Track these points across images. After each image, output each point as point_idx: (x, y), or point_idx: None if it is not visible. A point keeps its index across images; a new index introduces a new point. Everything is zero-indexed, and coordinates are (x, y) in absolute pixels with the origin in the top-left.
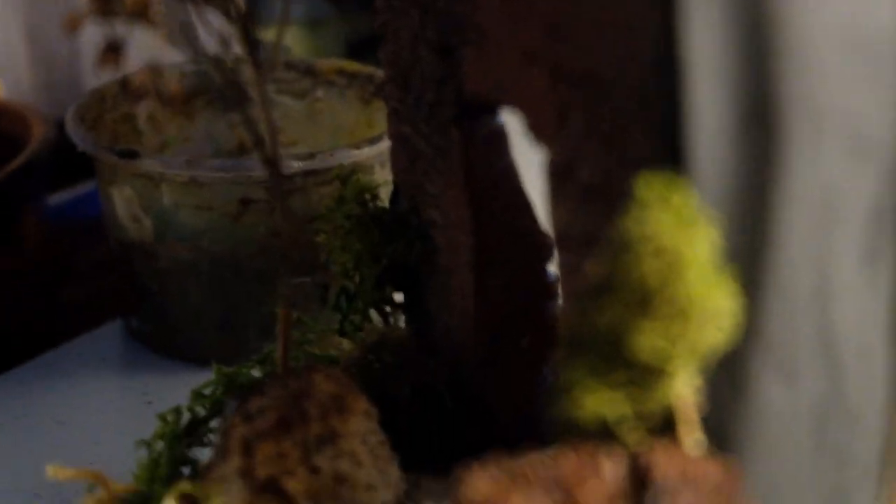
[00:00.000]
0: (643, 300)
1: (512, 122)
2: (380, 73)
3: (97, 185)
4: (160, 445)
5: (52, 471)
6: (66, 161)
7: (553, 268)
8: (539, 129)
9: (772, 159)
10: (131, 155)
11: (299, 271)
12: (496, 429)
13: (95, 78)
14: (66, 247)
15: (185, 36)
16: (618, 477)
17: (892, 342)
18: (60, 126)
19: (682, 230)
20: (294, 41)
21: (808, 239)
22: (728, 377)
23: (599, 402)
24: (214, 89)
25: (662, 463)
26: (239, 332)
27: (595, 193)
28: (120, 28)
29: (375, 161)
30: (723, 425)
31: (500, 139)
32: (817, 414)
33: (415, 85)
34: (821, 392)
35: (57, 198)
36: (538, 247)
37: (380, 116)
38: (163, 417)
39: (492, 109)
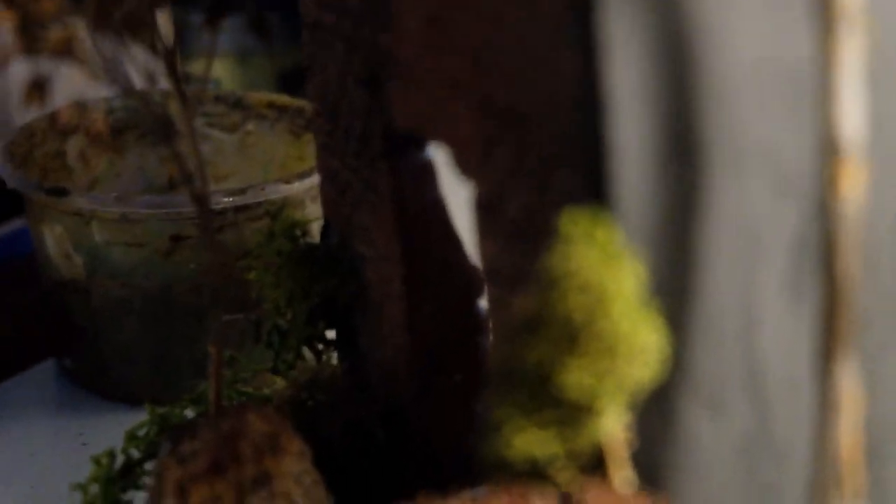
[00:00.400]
0: (570, 337)
1: (440, 155)
2: (310, 107)
3: (27, 222)
4: (95, 489)
5: None
6: None
7: (484, 302)
8: (465, 164)
9: (695, 195)
10: (61, 192)
11: (231, 308)
12: (432, 463)
13: (24, 115)
14: None
15: (110, 72)
16: None
17: (817, 375)
18: None
19: (607, 265)
20: (223, 73)
21: (732, 273)
22: (656, 412)
23: (529, 441)
24: (144, 124)
25: (593, 501)
26: (172, 369)
27: (522, 229)
28: (45, 64)
29: (306, 195)
30: (652, 461)
31: (428, 173)
32: (745, 448)
33: (343, 117)
34: (748, 426)
35: None
36: (468, 281)
37: (310, 149)
38: (97, 460)
39: (420, 143)
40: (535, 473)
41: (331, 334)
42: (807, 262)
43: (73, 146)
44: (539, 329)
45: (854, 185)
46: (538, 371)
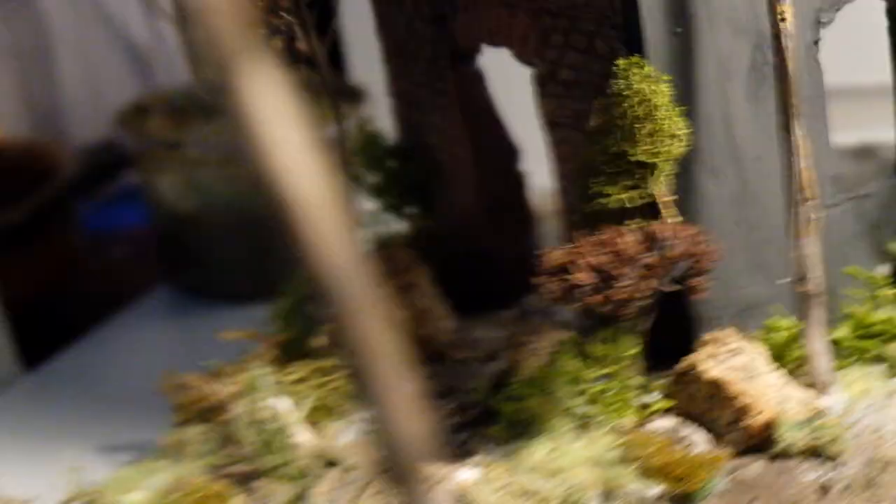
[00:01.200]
0: (634, 130)
1: (487, 64)
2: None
3: (140, 177)
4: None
5: (224, 334)
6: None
7: (520, 167)
8: (524, 54)
9: (689, 42)
10: (177, 145)
11: None
12: (502, 276)
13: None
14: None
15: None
16: (637, 238)
17: (777, 154)
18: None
19: (652, 85)
20: None
21: (715, 88)
22: (683, 179)
23: (616, 197)
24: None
25: (660, 230)
26: (266, 274)
27: (575, 87)
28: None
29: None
30: (685, 206)
31: (480, 77)
32: (735, 199)
33: (410, 50)
34: (736, 186)
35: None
36: (509, 150)
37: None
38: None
39: (473, 57)
40: (621, 220)
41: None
42: (759, 78)
43: (153, 123)
44: (614, 128)
45: (790, 20)
46: (617, 153)
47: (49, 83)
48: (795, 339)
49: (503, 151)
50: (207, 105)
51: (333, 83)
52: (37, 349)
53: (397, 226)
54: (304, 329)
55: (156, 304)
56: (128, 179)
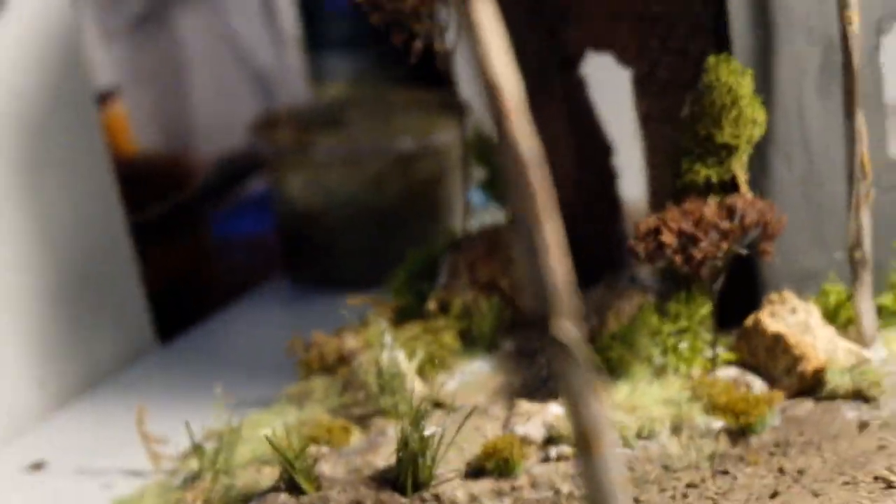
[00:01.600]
0: (721, 116)
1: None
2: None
3: (271, 179)
4: (401, 280)
5: (350, 300)
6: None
7: (613, 161)
8: (626, 58)
9: (770, 46)
10: (306, 150)
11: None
12: (592, 259)
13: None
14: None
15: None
16: (716, 208)
17: (841, 143)
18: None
19: (737, 78)
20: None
21: (791, 85)
22: (758, 161)
23: (702, 173)
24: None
25: (737, 202)
26: (381, 262)
27: (669, 85)
28: None
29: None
30: (759, 186)
31: (583, 82)
32: (804, 181)
33: (522, 60)
34: (804, 170)
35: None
36: (604, 148)
37: (436, 121)
38: (394, 274)
39: (576, 64)
40: (705, 193)
41: None
42: (828, 76)
43: (283, 133)
44: (702, 116)
45: (856, 23)
46: (705, 136)
47: (183, 102)
48: (845, 303)
49: (599, 149)
50: (329, 117)
51: (455, 94)
52: (168, 328)
53: (502, 215)
54: (416, 298)
55: (277, 291)
56: (254, 188)
